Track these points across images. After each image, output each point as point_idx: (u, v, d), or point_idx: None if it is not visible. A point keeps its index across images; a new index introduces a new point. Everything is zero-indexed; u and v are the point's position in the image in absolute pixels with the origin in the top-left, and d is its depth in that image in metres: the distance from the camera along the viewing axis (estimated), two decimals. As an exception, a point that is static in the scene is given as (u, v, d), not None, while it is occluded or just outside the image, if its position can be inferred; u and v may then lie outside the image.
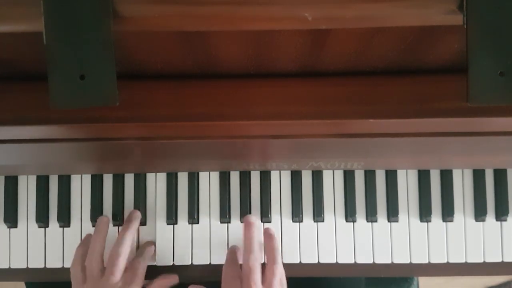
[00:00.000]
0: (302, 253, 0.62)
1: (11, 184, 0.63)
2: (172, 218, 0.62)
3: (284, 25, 0.36)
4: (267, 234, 0.60)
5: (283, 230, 0.62)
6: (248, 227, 0.59)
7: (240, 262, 0.59)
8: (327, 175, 0.63)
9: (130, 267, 0.57)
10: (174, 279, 0.61)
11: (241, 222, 0.63)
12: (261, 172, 0.63)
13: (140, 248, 0.62)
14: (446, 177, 0.62)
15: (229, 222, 0.63)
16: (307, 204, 0.63)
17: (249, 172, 0.63)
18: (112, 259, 0.56)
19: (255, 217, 0.61)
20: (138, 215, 0.62)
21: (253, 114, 0.47)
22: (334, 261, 0.62)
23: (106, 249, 0.58)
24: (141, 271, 0.57)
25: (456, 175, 0.63)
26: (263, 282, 0.55)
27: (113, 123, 0.47)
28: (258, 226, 0.60)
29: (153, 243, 0.62)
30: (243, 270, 0.55)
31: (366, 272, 0.62)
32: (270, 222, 0.63)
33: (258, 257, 0.56)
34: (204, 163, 0.61)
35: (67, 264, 0.62)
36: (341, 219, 0.62)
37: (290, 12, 0.35)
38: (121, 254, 0.56)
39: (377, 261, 0.62)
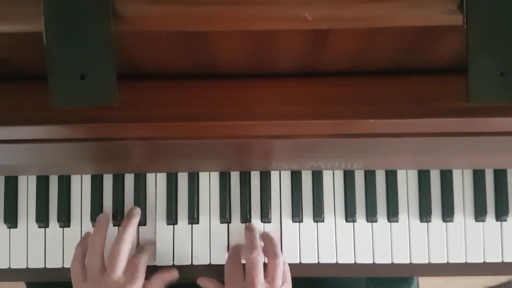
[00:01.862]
0: (302, 253, 0.62)
1: (11, 184, 0.63)
2: (172, 218, 0.62)
3: (284, 25, 0.36)
4: (264, 234, 0.61)
5: (283, 230, 0.62)
6: (249, 230, 0.60)
7: (243, 260, 0.59)
8: (327, 175, 0.63)
9: (131, 263, 0.57)
10: (174, 274, 0.61)
11: (241, 222, 0.63)
12: (261, 172, 0.63)
13: (140, 246, 0.62)
14: (446, 177, 0.62)
15: (229, 222, 0.63)
16: (307, 204, 0.63)
17: (249, 172, 0.63)
18: (113, 256, 0.56)
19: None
20: (138, 211, 0.61)
21: (253, 114, 0.47)
22: (334, 261, 0.62)
23: (106, 246, 0.58)
24: (142, 266, 0.57)
25: (456, 175, 0.63)
26: (265, 276, 0.56)
27: (113, 123, 0.47)
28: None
29: (153, 244, 0.62)
30: (246, 266, 0.56)
31: (366, 272, 0.62)
32: (270, 222, 0.63)
33: (261, 253, 0.57)
34: (204, 163, 0.61)
35: (67, 264, 0.62)
36: (341, 219, 0.62)
37: (290, 12, 0.35)
38: (122, 251, 0.56)
39: (377, 261, 0.62)
